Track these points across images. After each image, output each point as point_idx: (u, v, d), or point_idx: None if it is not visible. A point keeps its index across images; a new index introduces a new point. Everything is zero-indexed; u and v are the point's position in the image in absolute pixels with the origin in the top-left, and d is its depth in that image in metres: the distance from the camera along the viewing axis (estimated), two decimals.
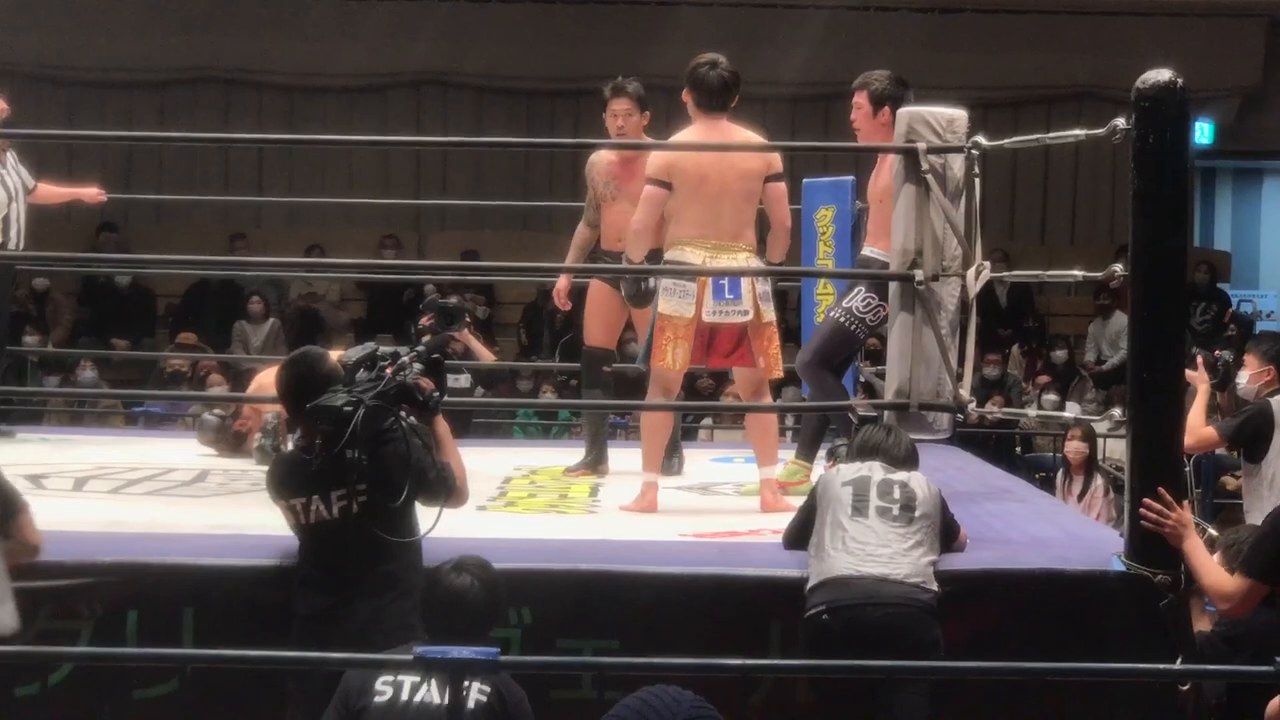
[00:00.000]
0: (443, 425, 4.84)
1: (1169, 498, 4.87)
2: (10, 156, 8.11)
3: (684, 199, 6.33)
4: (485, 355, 10.21)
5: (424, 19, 16.14)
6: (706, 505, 6.65)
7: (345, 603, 4.58)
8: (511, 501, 6.53)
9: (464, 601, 4.22)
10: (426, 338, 5.20)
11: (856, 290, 6.62)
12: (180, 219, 16.36)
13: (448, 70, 16.61)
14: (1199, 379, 7.33)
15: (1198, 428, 7.14)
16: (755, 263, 6.37)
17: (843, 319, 6.56)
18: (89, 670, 4.87)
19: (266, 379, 6.73)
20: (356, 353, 4.76)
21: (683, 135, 6.51)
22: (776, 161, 6.45)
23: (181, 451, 7.82)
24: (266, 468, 5.12)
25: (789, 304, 10.58)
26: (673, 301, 6.24)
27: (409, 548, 4.64)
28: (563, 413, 12.45)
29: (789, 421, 8.44)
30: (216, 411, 7.81)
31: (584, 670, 4.90)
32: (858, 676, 4.65)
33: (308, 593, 4.67)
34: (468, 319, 6.74)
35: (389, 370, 4.67)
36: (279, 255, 13.50)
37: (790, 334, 9.05)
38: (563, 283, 7.77)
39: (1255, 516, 6.67)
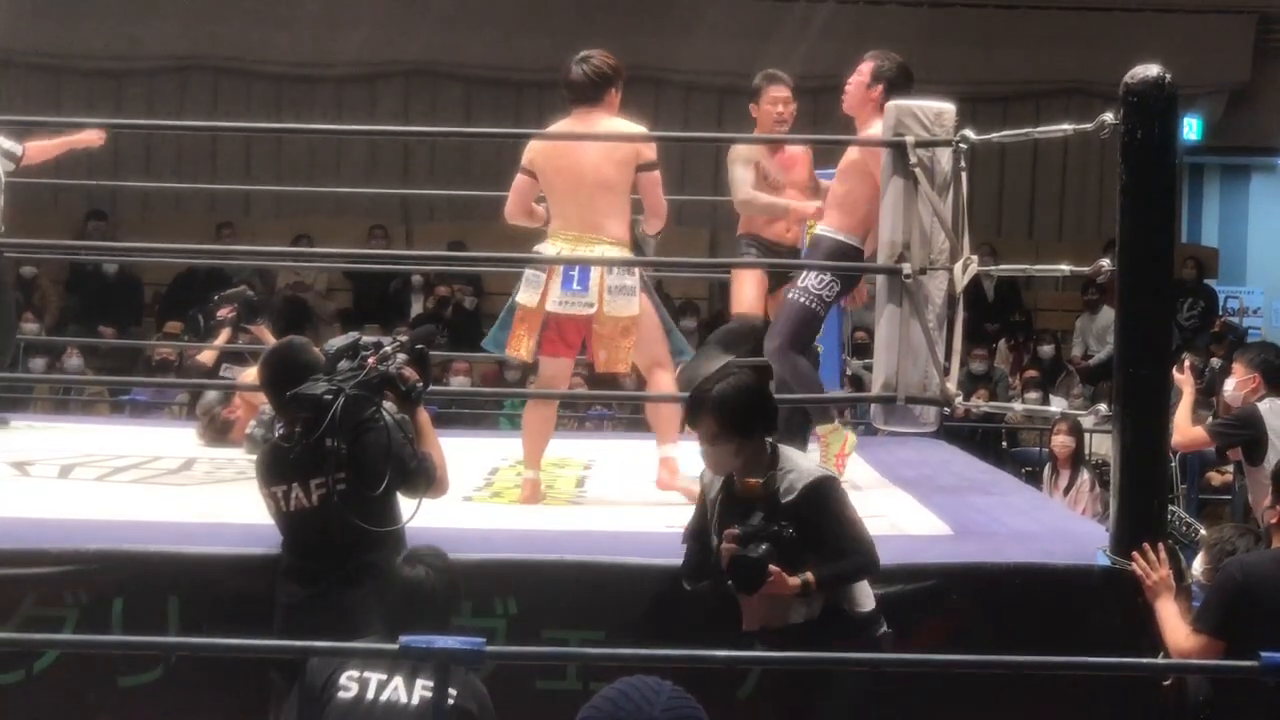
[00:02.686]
0: (423, 416, 4.84)
1: (1162, 555, 4.90)
2: None
3: (547, 191, 6.24)
4: None
5: (414, 10, 16.13)
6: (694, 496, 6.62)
7: (326, 592, 4.58)
8: (498, 492, 6.52)
9: (419, 593, 4.15)
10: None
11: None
12: (168, 207, 16.34)
13: (437, 61, 16.58)
14: (1185, 382, 7.51)
15: (1185, 427, 7.32)
16: (616, 255, 6.11)
17: (802, 299, 6.53)
18: (74, 658, 4.86)
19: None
20: (339, 342, 4.77)
21: (555, 127, 6.34)
22: (647, 152, 6.18)
23: (168, 440, 7.80)
24: (255, 457, 5.12)
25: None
26: (527, 292, 6.11)
27: (390, 538, 4.63)
28: None
29: None
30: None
31: (569, 660, 4.89)
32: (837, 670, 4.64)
33: (290, 582, 4.67)
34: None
35: (371, 360, 4.67)
36: (266, 245, 13.48)
37: None
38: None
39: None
